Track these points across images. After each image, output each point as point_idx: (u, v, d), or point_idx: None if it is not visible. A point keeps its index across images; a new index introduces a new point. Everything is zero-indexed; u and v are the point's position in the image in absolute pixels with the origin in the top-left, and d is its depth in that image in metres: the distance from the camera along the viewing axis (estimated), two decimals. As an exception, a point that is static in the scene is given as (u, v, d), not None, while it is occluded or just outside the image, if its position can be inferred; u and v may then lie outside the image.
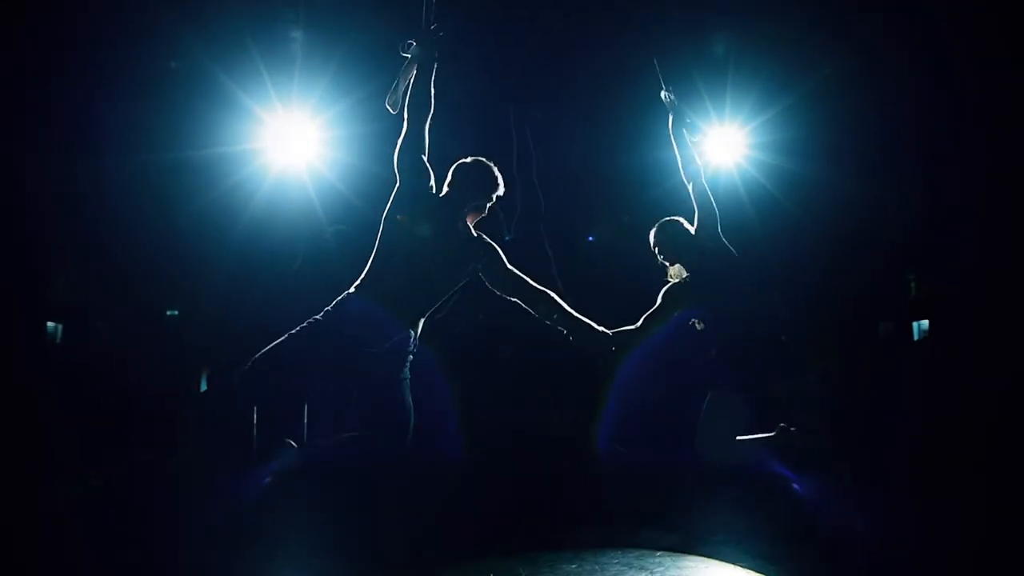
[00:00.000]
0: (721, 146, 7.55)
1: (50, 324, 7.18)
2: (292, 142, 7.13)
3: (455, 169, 3.95)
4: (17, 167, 6.49)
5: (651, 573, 3.87)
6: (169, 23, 6.56)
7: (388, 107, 4.11)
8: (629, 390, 4.10)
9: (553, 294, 3.98)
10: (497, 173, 3.95)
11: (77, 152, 6.71)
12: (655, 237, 4.47)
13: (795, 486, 6.48)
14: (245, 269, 7.62)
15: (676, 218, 4.36)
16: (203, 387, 7.78)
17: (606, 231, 8.74)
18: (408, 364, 3.90)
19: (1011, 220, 6.86)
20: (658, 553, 4.24)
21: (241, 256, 7.53)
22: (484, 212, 4.00)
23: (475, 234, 3.91)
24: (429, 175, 3.86)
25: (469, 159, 3.97)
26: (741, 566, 3.99)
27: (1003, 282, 6.90)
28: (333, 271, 7.53)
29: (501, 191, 3.96)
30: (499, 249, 3.88)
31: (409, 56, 3.95)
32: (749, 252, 4.16)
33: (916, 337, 7.99)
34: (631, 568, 3.95)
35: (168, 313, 7.86)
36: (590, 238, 8.83)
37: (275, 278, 7.63)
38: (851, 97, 7.30)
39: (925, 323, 7.91)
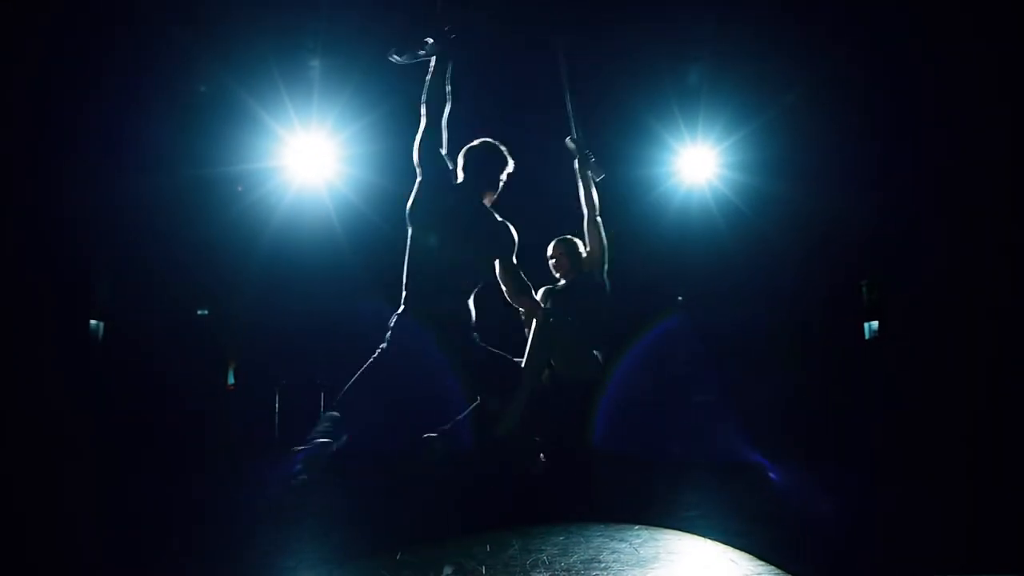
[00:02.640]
0: (694, 165, 7.70)
1: (92, 322, 7.24)
2: (311, 160, 7.23)
3: (465, 153, 3.83)
4: (61, 183, 6.55)
5: (630, 544, 3.97)
6: (200, 52, 6.63)
7: (391, 58, 3.93)
8: (620, 388, 4.12)
9: (537, 310, 3.87)
10: (504, 151, 3.86)
11: (116, 169, 6.79)
12: (556, 250, 4.29)
13: (771, 474, 6.61)
14: (269, 274, 7.69)
15: (574, 238, 4.23)
16: (230, 380, 7.87)
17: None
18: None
19: (958, 232, 6.95)
20: (636, 527, 4.34)
21: (265, 263, 7.60)
22: (498, 190, 3.87)
23: (498, 217, 3.77)
24: (447, 165, 3.73)
25: (476, 142, 3.86)
26: (712, 539, 4.08)
27: (950, 287, 6.99)
28: (347, 276, 7.65)
29: (511, 167, 3.86)
30: (515, 238, 3.74)
31: (424, 51, 3.82)
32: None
33: (867, 337, 8.10)
34: (612, 540, 4.05)
35: (199, 312, 7.93)
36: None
37: (295, 283, 7.70)
38: (812, 120, 7.39)
39: (875, 324, 8.03)
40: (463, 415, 3.73)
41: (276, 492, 5.93)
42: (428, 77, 3.73)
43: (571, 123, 4.28)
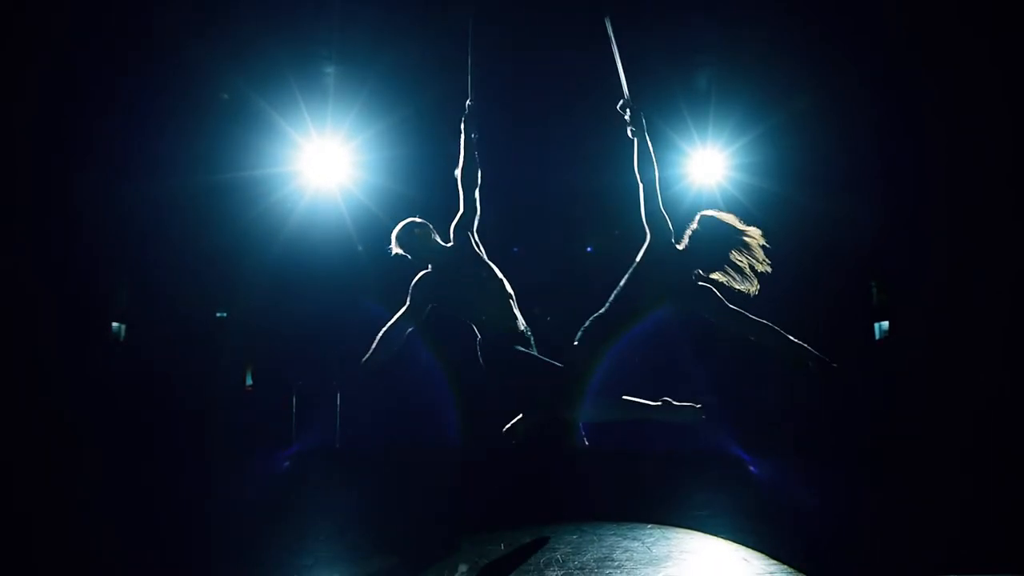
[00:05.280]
0: (704, 168, 7.67)
1: (115, 325, 7.28)
2: (326, 165, 7.25)
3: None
4: (82, 189, 6.61)
5: (643, 543, 3.95)
6: (217, 59, 6.65)
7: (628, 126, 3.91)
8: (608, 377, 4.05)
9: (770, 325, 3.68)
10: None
11: (138, 176, 6.83)
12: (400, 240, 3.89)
13: (751, 468, 6.59)
14: (285, 278, 7.70)
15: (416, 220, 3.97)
16: (248, 381, 7.90)
17: (601, 242, 8.79)
18: None
19: (961, 234, 6.92)
20: (648, 526, 4.32)
21: (281, 266, 7.62)
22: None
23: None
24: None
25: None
26: (722, 537, 4.06)
27: (956, 287, 6.95)
28: (361, 280, 7.67)
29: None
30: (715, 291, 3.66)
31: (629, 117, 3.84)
32: None
33: (877, 337, 8.03)
34: (625, 539, 4.03)
35: (218, 315, 7.96)
36: (588, 248, 8.89)
37: (311, 286, 7.72)
38: (820, 124, 7.35)
39: (886, 324, 7.96)
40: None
41: (283, 488, 6.01)
42: (637, 146, 3.76)
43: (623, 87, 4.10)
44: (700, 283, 3.65)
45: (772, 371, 7.92)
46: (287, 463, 7.08)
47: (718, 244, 3.68)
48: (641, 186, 3.71)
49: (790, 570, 3.42)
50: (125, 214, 6.91)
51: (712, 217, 3.71)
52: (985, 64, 6.24)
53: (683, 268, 3.65)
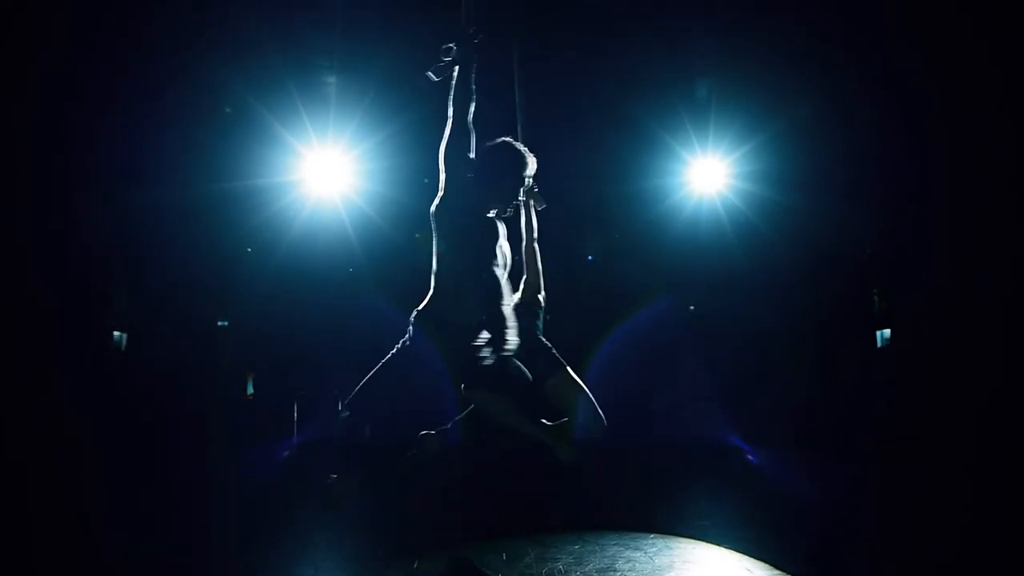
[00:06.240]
0: (705, 176, 7.64)
1: (116, 334, 7.28)
2: (328, 174, 7.25)
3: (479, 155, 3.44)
4: (86, 198, 6.61)
5: (645, 552, 3.92)
6: (218, 69, 6.65)
7: (431, 74, 3.80)
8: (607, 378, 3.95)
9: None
10: (516, 152, 3.47)
11: (140, 184, 6.83)
12: None
13: (749, 457, 6.54)
14: (287, 286, 7.69)
15: None
16: (249, 390, 7.89)
17: (602, 250, 8.77)
18: None
19: (964, 235, 6.89)
20: (651, 535, 4.28)
21: (283, 275, 7.61)
22: (507, 203, 3.53)
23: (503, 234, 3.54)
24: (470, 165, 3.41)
25: (493, 143, 3.52)
26: (727, 547, 4.03)
27: (959, 288, 6.92)
28: (363, 288, 7.66)
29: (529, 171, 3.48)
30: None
31: (449, 59, 3.50)
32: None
33: (879, 344, 7.99)
34: (627, 548, 4.00)
35: (219, 323, 7.95)
36: (589, 258, 8.87)
37: (313, 295, 7.71)
38: (821, 130, 7.33)
39: (887, 332, 7.92)
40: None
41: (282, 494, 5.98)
42: (454, 79, 3.60)
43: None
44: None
45: (772, 371, 7.90)
46: (286, 453, 7.07)
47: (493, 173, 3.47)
48: (450, 122, 3.44)
49: (793, 579, 3.40)
50: (125, 216, 6.90)
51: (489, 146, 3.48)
52: (985, 64, 6.22)
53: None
